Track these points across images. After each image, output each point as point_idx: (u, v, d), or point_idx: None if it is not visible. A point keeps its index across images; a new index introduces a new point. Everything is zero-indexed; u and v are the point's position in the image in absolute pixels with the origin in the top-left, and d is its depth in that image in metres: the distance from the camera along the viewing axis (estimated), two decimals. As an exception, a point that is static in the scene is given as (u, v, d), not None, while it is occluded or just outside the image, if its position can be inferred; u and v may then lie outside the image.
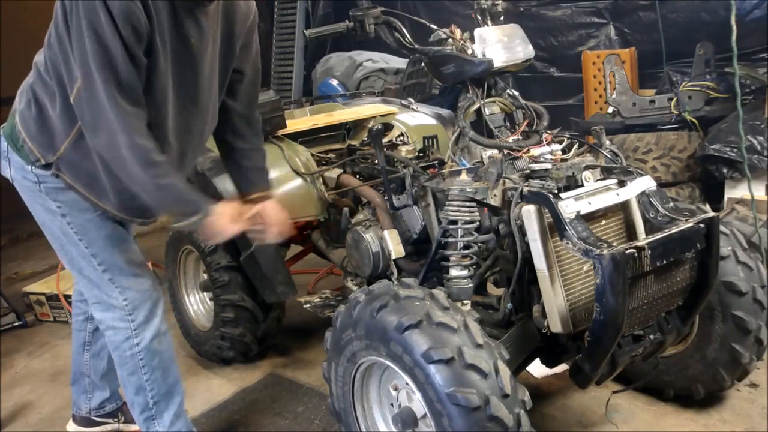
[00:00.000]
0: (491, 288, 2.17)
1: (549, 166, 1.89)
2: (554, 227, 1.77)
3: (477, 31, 2.14)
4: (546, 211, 1.78)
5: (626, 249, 1.65)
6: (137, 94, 1.70)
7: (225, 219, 1.84)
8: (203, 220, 1.81)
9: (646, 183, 1.89)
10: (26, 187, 2.00)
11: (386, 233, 2.41)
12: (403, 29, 2.28)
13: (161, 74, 1.77)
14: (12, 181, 2.03)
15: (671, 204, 1.90)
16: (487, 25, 2.21)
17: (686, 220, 1.81)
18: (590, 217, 1.82)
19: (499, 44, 2.12)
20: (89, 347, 2.41)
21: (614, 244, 1.73)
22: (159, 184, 1.75)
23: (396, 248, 2.40)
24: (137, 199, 1.90)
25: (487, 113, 2.16)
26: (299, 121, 3.04)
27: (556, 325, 1.84)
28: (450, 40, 2.21)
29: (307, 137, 2.96)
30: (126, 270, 2.03)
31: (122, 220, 2.04)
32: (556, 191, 1.79)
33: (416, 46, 2.28)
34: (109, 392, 2.46)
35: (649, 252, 1.69)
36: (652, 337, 1.91)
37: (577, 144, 2.06)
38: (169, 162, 1.80)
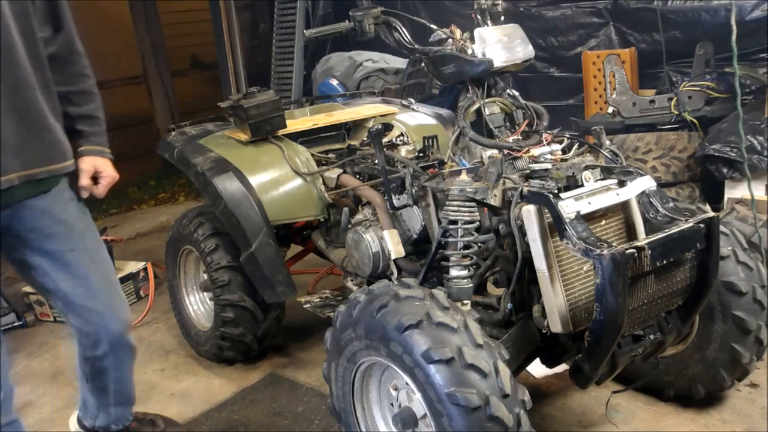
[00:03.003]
0: (491, 288, 2.17)
1: (549, 166, 1.90)
2: (554, 227, 1.77)
3: (477, 31, 2.14)
4: (546, 211, 1.78)
5: (626, 249, 1.65)
6: None
7: None
8: None
9: (646, 183, 1.89)
10: None
11: (386, 233, 2.41)
12: (403, 29, 2.28)
13: None
14: None
15: (671, 204, 1.90)
16: (487, 25, 2.21)
17: (686, 220, 1.81)
18: (590, 217, 1.82)
19: (499, 44, 2.12)
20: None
21: (614, 244, 1.73)
22: None
23: (396, 248, 2.39)
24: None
25: (487, 113, 2.16)
26: (299, 121, 3.04)
27: (556, 325, 1.84)
28: (450, 40, 2.21)
29: (307, 137, 2.96)
30: None
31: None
32: (556, 191, 1.79)
33: (416, 46, 2.28)
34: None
35: (649, 252, 1.69)
36: (652, 337, 1.91)
37: (577, 144, 2.06)
38: None
